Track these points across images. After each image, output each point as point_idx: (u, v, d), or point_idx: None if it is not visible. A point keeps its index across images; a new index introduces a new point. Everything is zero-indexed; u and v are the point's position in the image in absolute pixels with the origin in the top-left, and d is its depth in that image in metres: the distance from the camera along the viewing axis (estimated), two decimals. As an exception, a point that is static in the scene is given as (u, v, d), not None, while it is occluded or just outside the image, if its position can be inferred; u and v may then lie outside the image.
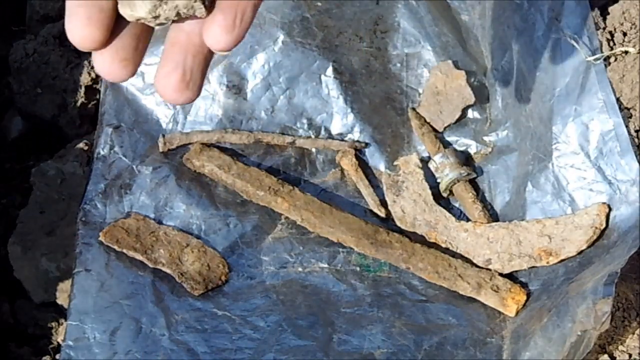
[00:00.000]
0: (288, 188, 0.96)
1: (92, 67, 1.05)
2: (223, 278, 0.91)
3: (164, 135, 0.99)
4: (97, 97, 1.03)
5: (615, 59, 0.92)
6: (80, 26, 0.42)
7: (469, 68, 1.02)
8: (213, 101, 1.01)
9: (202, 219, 0.95)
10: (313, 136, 1.01)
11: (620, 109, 0.89)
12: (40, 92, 1.05)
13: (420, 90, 1.02)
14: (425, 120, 1.01)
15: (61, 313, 0.91)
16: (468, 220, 0.95)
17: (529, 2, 0.95)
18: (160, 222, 0.94)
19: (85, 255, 0.90)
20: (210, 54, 0.45)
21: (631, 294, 0.86)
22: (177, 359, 0.85)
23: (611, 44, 0.93)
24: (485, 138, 1.00)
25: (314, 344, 0.87)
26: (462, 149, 1.00)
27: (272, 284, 0.91)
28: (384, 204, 0.96)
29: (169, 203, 0.96)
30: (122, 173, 0.97)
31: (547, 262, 0.89)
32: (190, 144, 0.99)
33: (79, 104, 1.04)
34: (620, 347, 0.84)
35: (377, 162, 1.00)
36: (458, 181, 0.96)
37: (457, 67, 1.02)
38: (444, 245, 0.93)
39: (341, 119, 1.01)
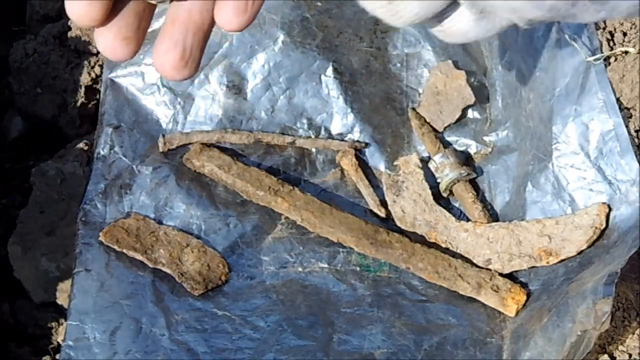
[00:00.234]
0: (288, 188, 0.96)
1: (92, 67, 1.05)
2: (223, 278, 0.91)
3: (164, 135, 0.99)
4: (97, 97, 1.04)
5: (615, 59, 0.92)
6: (79, 3, 0.42)
7: (469, 68, 1.02)
8: (213, 101, 1.01)
9: (202, 219, 0.95)
10: (313, 136, 1.01)
11: (620, 109, 0.89)
12: (40, 92, 1.05)
13: (420, 90, 1.02)
14: (425, 120, 1.01)
15: (61, 313, 0.91)
16: (468, 220, 0.95)
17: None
18: (160, 222, 0.94)
19: (85, 255, 0.90)
20: (210, 30, 0.45)
21: (631, 294, 0.86)
22: (177, 359, 0.85)
23: (611, 44, 0.93)
24: (485, 138, 1.00)
25: (314, 344, 0.87)
26: (462, 149, 1.00)
27: (272, 284, 0.91)
28: (384, 204, 0.96)
29: (169, 203, 0.96)
30: (122, 173, 0.97)
31: (547, 262, 0.89)
32: (190, 144, 0.99)
33: (79, 104, 1.04)
34: (620, 347, 0.84)
35: (377, 162, 1.00)
36: (458, 181, 0.96)
37: (457, 67, 1.02)
38: (444, 245, 0.93)
39: (341, 119, 1.01)
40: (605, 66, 0.91)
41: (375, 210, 0.96)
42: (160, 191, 0.96)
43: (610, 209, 0.87)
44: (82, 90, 1.04)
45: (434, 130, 1.00)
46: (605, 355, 0.84)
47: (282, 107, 1.01)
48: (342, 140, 1.01)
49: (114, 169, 0.97)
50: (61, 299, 0.92)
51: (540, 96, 0.93)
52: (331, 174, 1.00)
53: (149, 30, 0.44)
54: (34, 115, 1.06)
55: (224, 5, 0.44)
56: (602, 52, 0.91)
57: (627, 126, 0.88)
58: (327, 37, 1.03)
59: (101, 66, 1.04)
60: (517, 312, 0.87)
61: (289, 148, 1.00)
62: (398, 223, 0.95)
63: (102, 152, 0.98)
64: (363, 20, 1.03)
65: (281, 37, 1.01)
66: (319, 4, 1.03)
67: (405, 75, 1.03)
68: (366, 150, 1.00)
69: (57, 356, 0.88)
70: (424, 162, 0.98)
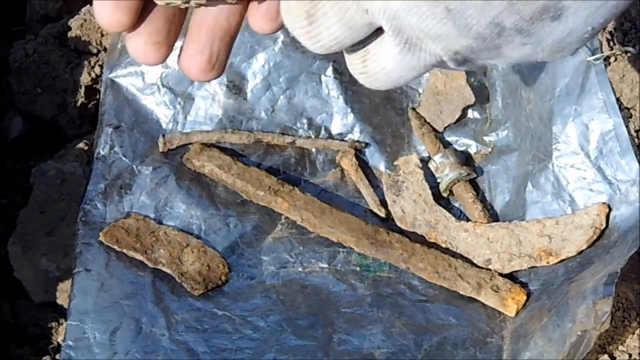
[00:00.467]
0: (288, 188, 0.96)
1: (92, 67, 1.05)
2: (223, 278, 0.91)
3: (164, 135, 0.99)
4: (97, 97, 1.03)
5: (615, 59, 0.92)
6: (107, 10, 0.42)
7: (469, 68, 1.02)
8: (213, 101, 1.01)
9: (202, 219, 0.95)
10: (313, 136, 1.01)
11: (620, 109, 0.89)
12: (40, 92, 1.05)
13: (420, 90, 1.02)
14: (425, 120, 1.01)
15: (61, 313, 0.91)
16: (468, 220, 0.95)
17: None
18: (160, 222, 0.94)
19: (85, 255, 0.90)
20: (236, 35, 0.46)
21: (631, 294, 0.86)
22: (177, 359, 0.85)
23: (611, 44, 0.93)
24: (485, 138, 1.00)
25: (314, 344, 0.87)
26: (462, 149, 1.00)
27: (272, 284, 0.91)
28: (384, 204, 0.96)
29: (169, 203, 0.95)
30: (122, 173, 0.97)
31: (547, 262, 0.89)
32: (190, 144, 0.99)
33: (79, 104, 1.04)
34: (620, 347, 0.84)
35: (377, 162, 1.00)
36: (458, 181, 0.96)
37: (457, 67, 1.01)
38: (444, 245, 0.93)
39: (341, 119, 1.01)
40: (605, 66, 0.91)
41: (375, 210, 0.96)
42: (160, 191, 0.96)
43: (610, 209, 0.87)
44: (82, 90, 1.04)
45: (434, 130, 1.00)
46: (605, 355, 0.84)
47: (282, 107, 1.01)
48: (342, 140, 1.01)
49: (114, 169, 0.97)
50: (61, 299, 0.92)
51: (540, 96, 0.93)
52: (331, 174, 1.00)
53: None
54: (34, 115, 1.06)
55: (256, 13, 0.44)
56: (602, 52, 0.91)
57: (627, 126, 0.88)
58: (327, 37, 1.03)
59: (101, 66, 1.04)
60: (517, 312, 0.87)
61: (289, 148, 1.00)
62: (398, 223, 0.95)
63: (102, 152, 0.98)
64: (363, 20, 1.03)
65: (281, 37, 1.01)
66: (319, 4, 1.03)
67: (405, 75, 1.03)
68: (366, 150, 1.00)
69: (57, 356, 0.88)
70: (424, 162, 0.98)
